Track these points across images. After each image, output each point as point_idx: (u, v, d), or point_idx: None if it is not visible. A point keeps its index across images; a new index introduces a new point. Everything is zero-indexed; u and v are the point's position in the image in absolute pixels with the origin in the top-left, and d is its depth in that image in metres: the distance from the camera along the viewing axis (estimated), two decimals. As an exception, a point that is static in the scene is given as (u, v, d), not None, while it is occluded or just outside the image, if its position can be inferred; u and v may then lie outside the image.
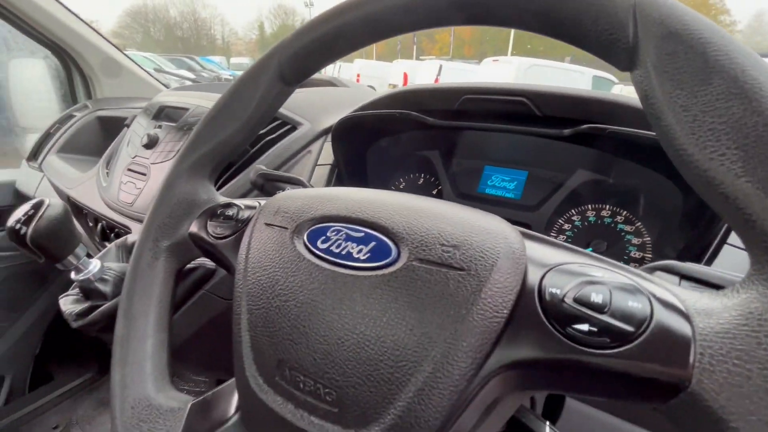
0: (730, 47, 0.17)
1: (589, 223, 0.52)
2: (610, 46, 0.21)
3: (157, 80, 1.44)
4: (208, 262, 0.55)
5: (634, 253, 0.49)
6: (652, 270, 0.24)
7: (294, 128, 0.65)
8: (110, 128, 1.17)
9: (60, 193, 0.95)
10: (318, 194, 0.28)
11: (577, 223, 0.52)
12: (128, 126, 0.83)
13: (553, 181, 0.53)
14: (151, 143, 0.69)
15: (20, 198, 1.20)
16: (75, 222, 0.50)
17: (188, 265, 0.37)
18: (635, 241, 0.49)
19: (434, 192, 0.63)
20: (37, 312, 1.35)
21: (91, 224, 0.83)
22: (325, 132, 0.65)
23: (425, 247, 0.22)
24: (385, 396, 0.21)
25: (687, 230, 0.42)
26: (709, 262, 0.37)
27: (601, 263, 0.21)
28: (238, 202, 0.35)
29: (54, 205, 0.44)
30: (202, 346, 0.66)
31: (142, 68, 1.44)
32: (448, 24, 0.27)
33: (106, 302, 0.50)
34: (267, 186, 0.46)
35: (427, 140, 0.59)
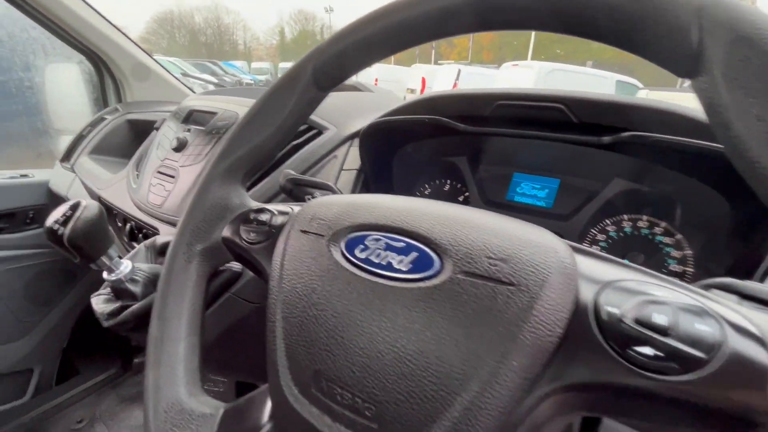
0: None
1: (624, 234, 0.50)
2: (670, 52, 0.19)
3: (184, 84, 1.47)
4: (235, 265, 0.56)
5: (674, 267, 0.47)
6: (707, 287, 0.22)
7: (320, 133, 0.65)
8: (139, 131, 1.20)
9: (91, 194, 0.98)
10: (354, 201, 0.28)
11: (611, 233, 0.50)
12: (158, 129, 0.85)
13: (587, 189, 0.51)
14: (180, 146, 0.71)
15: (53, 197, 1.24)
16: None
17: None
18: (675, 254, 0.46)
19: (461, 198, 0.62)
20: (65, 307, 1.39)
21: (119, 224, 0.85)
22: (351, 137, 0.65)
23: (471, 260, 0.21)
24: (429, 414, 0.20)
25: (736, 244, 0.40)
26: (762, 279, 0.35)
27: (659, 281, 0.20)
28: (270, 207, 0.35)
29: (90, 206, 0.45)
30: (224, 348, 0.66)
31: (169, 73, 1.48)
32: (491, 29, 0.26)
33: (136, 302, 0.51)
34: (296, 191, 0.46)
35: (454, 146, 0.58)
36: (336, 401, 0.23)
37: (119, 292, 0.51)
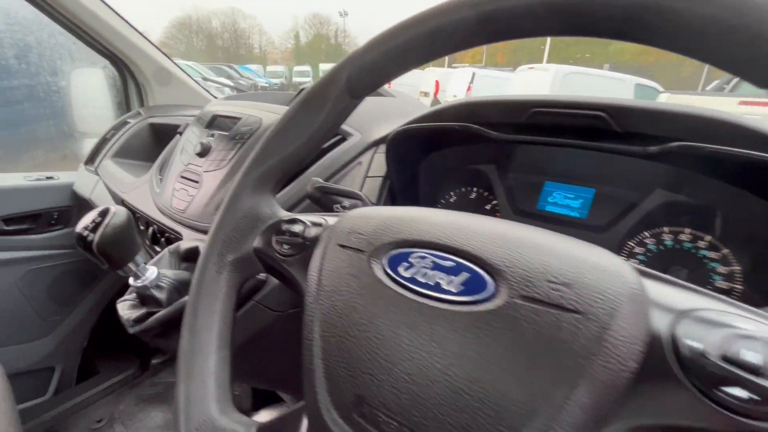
0: None
1: (665, 248, 0.47)
2: (751, 61, 0.18)
3: (204, 89, 1.49)
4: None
5: (720, 283, 0.44)
6: None
7: (344, 139, 0.64)
8: (161, 135, 1.22)
9: (115, 197, 0.99)
10: (393, 215, 0.27)
11: (650, 246, 0.48)
12: (181, 134, 0.86)
13: (624, 200, 0.49)
14: (204, 151, 0.71)
15: (77, 199, 1.26)
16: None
17: None
18: (721, 269, 0.44)
19: (487, 207, 0.60)
20: (87, 307, 1.42)
21: (142, 228, 0.86)
22: (376, 143, 0.63)
23: (529, 283, 0.20)
24: None
25: None
26: None
27: (740, 310, 0.18)
28: (302, 217, 0.34)
29: (119, 212, 0.45)
30: (244, 355, 0.66)
31: (190, 77, 1.50)
32: (540, 35, 0.25)
33: (161, 309, 0.51)
34: (324, 199, 0.45)
35: (483, 153, 0.57)
36: (380, 429, 0.22)
37: (145, 298, 0.51)
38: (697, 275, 0.45)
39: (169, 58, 1.44)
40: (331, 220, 0.33)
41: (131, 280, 0.50)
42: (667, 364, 0.17)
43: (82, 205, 1.27)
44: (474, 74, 8.83)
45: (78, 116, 1.50)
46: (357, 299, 0.24)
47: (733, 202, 0.42)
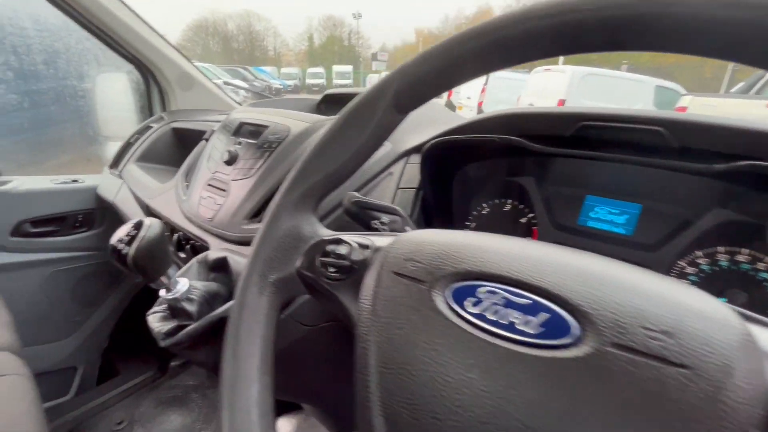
0: None
1: (720, 269, 0.44)
2: None
3: (226, 94, 1.50)
4: None
5: None
6: None
7: (374, 148, 0.63)
8: (184, 140, 1.22)
9: (140, 202, 0.99)
10: (454, 241, 0.25)
11: (704, 267, 0.45)
12: (207, 140, 0.85)
13: (676, 217, 0.46)
14: (231, 160, 0.70)
15: (101, 202, 1.28)
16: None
17: None
18: None
19: (523, 220, 0.58)
20: (108, 309, 1.44)
21: (167, 234, 0.86)
22: (407, 153, 0.62)
23: (622, 330, 0.18)
24: None
25: None
26: None
27: None
28: (346, 238, 0.33)
29: (153, 225, 0.45)
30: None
31: (212, 82, 1.51)
32: (612, 49, 0.23)
33: (191, 321, 0.50)
34: (361, 214, 0.43)
35: (521, 165, 0.55)
36: None
37: (176, 311, 0.51)
38: (758, 299, 0.42)
39: (192, 63, 1.45)
40: (377, 241, 0.31)
41: (162, 292, 0.50)
42: None
43: (106, 209, 1.28)
44: (488, 76, 8.75)
45: (102, 120, 1.52)
46: (419, 335, 0.23)
47: None
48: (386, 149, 0.62)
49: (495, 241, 0.24)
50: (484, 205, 0.61)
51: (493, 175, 0.59)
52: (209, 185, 0.73)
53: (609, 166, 0.50)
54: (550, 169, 0.54)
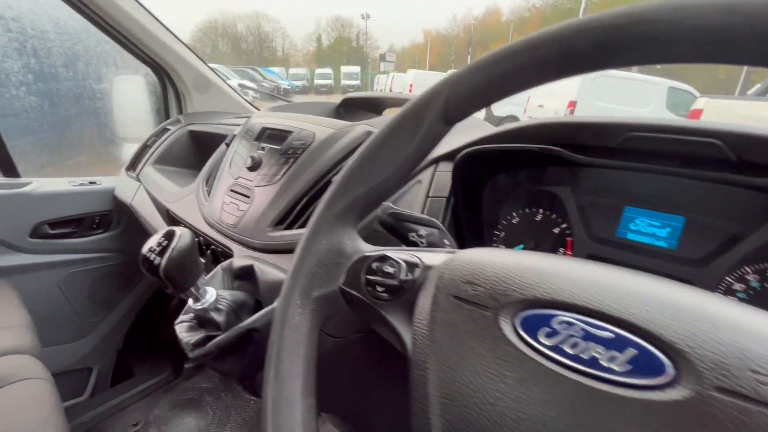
0: None
1: None
2: None
3: (242, 97, 1.50)
4: None
5: None
6: None
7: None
8: (201, 142, 1.22)
9: (159, 206, 0.99)
10: (518, 263, 0.24)
11: (753, 284, 0.43)
12: (228, 145, 0.85)
13: (724, 231, 0.44)
14: (255, 166, 0.69)
15: (118, 204, 1.29)
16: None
17: None
18: None
19: (556, 231, 0.56)
20: (123, 310, 1.45)
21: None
22: (435, 160, 0.61)
23: (726, 372, 0.16)
24: None
25: None
26: None
27: None
28: (393, 255, 0.31)
29: (184, 235, 0.44)
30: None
31: (228, 84, 1.51)
32: (683, 61, 0.21)
33: (219, 332, 0.50)
34: (398, 226, 0.42)
35: (558, 175, 0.53)
36: None
37: (204, 321, 0.50)
38: None
39: (209, 66, 1.45)
40: (427, 258, 0.30)
41: (191, 302, 0.49)
42: None
43: (123, 210, 1.29)
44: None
45: (119, 122, 1.54)
46: (486, 367, 0.21)
47: None
48: (414, 156, 0.61)
49: (561, 263, 0.23)
50: (514, 213, 0.60)
51: (524, 183, 0.57)
52: (232, 191, 0.72)
53: (650, 177, 0.48)
54: (586, 179, 0.52)
